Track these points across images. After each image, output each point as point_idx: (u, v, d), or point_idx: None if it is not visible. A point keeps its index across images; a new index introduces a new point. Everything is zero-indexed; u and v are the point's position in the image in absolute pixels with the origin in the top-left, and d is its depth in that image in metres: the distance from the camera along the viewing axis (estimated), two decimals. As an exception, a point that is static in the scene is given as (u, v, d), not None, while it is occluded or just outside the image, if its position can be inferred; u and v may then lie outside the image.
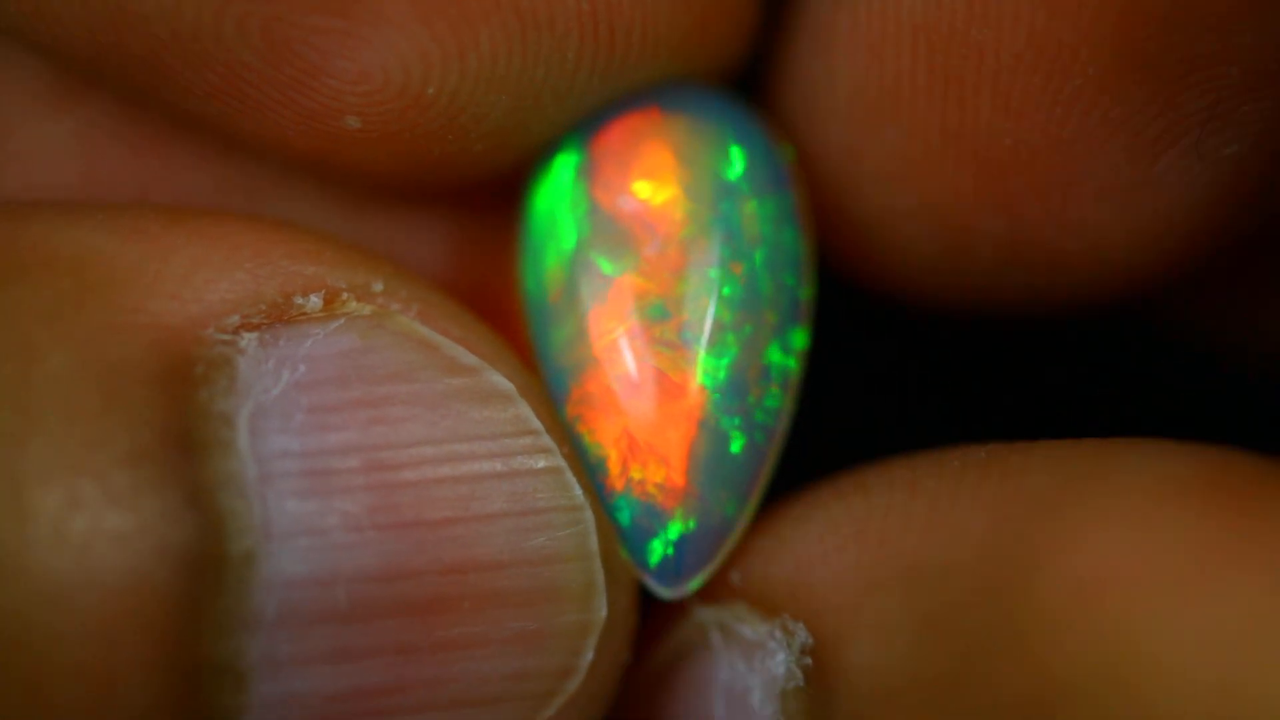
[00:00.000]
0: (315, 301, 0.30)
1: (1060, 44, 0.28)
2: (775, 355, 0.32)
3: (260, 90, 0.30)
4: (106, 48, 0.30)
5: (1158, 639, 0.24)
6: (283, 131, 0.31)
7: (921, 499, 0.29)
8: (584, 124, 0.33)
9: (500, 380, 0.30)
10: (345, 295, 0.30)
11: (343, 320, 0.30)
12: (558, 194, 0.33)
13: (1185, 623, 0.24)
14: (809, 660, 0.29)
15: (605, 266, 0.32)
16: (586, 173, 0.32)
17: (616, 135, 0.32)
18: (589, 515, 0.30)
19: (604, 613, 0.30)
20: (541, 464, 0.30)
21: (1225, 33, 0.28)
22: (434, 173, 0.32)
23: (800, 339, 0.32)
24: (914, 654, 0.27)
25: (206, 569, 0.28)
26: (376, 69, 0.30)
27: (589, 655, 0.30)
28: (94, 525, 0.27)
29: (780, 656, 0.30)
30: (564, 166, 0.33)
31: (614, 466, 0.32)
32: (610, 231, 0.32)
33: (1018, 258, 0.31)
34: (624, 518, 0.31)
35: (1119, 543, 0.25)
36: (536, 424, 0.30)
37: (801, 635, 0.29)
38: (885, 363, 0.37)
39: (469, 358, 0.30)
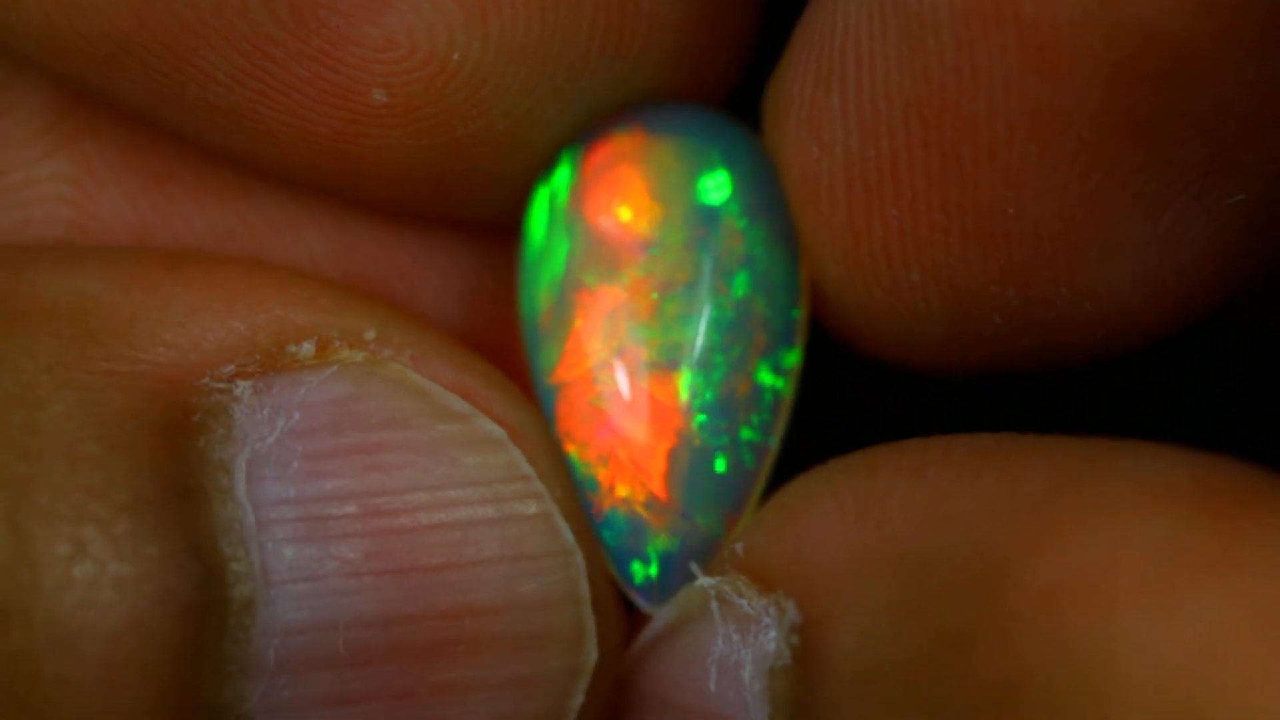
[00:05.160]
0: (308, 349, 0.30)
1: (1054, 110, 0.28)
2: (766, 375, 0.32)
3: (285, 67, 0.30)
4: (129, 38, 0.30)
5: (1125, 648, 0.24)
6: (306, 117, 0.31)
7: (924, 487, 0.28)
8: (574, 144, 0.33)
9: (492, 426, 0.30)
10: (337, 343, 0.31)
11: (335, 368, 0.30)
12: (549, 217, 0.33)
13: (1154, 633, 0.24)
14: (796, 639, 0.29)
15: (593, 287, 0.32)
16: (576, 195, 0.33)
17: (604, 157, 0.33)
18: (579, 559, 0.30)
19: (594, 656, 0.30)
20: (533, 509, 0.30)
21: (1218, 86, 0.28)
22: (457, 162, 0.32)
23: (792, 359, 0.32)
24: (894, 642, 0.27)
25: (207, 615, 0.28)
26: (402, 34, 0.30)
27: (579, 699, 0.30)
28: (98, 572, 0.27)
29: (773, 633, 0.29)
30: (555, 189, 0.33)
31: (601, 484, 0.32)
32: (598, 253, 0.32)
33: (1030, 323, 0.31)
34: (609, 535, 0.32)
35: (1094, 548, 0.25)
36: (528, 469, 0.30)
37: (791, 613, 0.29)
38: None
39: (461, 404, 0.30)
